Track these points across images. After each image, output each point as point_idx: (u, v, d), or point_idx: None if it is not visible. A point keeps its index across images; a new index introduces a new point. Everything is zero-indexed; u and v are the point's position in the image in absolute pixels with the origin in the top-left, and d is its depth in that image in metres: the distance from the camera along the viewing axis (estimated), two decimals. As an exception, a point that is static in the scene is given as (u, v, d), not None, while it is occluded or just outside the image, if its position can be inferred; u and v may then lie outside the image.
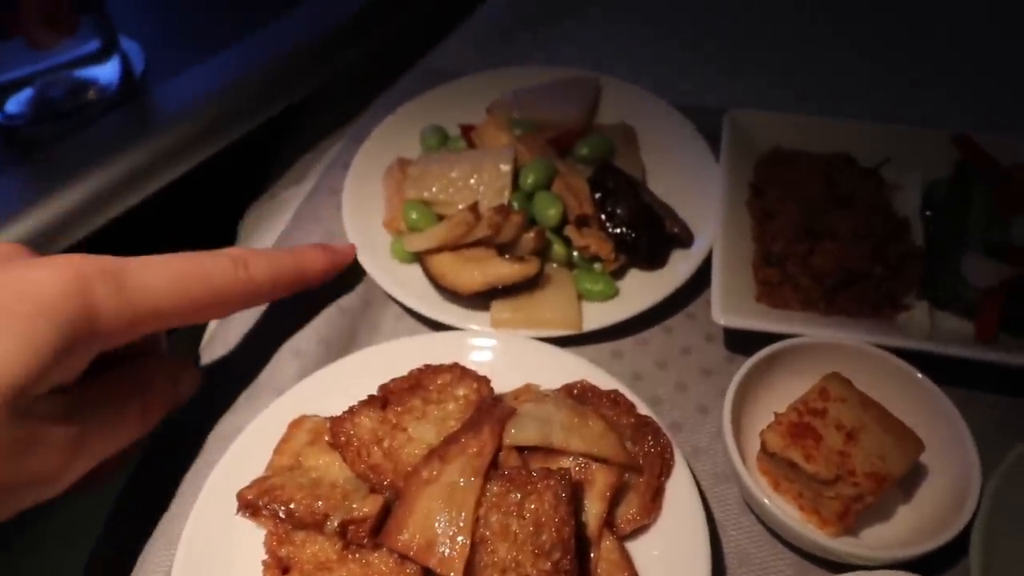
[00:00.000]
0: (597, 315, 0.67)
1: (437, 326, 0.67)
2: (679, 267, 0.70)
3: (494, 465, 0.52)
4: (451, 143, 0.78)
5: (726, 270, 0.66)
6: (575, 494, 0.52)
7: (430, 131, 0.80)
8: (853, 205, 0.68)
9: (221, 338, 0.67)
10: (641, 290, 0.69)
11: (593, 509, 0.52)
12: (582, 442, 0.54)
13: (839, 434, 0.54)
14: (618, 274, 0.70)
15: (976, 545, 0.52)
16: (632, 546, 0.54)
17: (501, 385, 0.60)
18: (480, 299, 0.67)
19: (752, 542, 0.57)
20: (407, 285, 0.69)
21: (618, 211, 0.69)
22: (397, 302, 0.69)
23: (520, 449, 0.54)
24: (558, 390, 0.59)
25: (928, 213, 0.72)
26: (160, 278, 0.50)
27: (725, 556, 0.57)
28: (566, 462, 0.54)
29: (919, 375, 0.58)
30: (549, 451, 0.54)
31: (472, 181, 0.71)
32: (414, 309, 0.68)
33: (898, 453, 0.54)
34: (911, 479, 0.57)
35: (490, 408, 0.55)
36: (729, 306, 0.64)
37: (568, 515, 0.49)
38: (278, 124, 0.92)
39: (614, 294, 0.68)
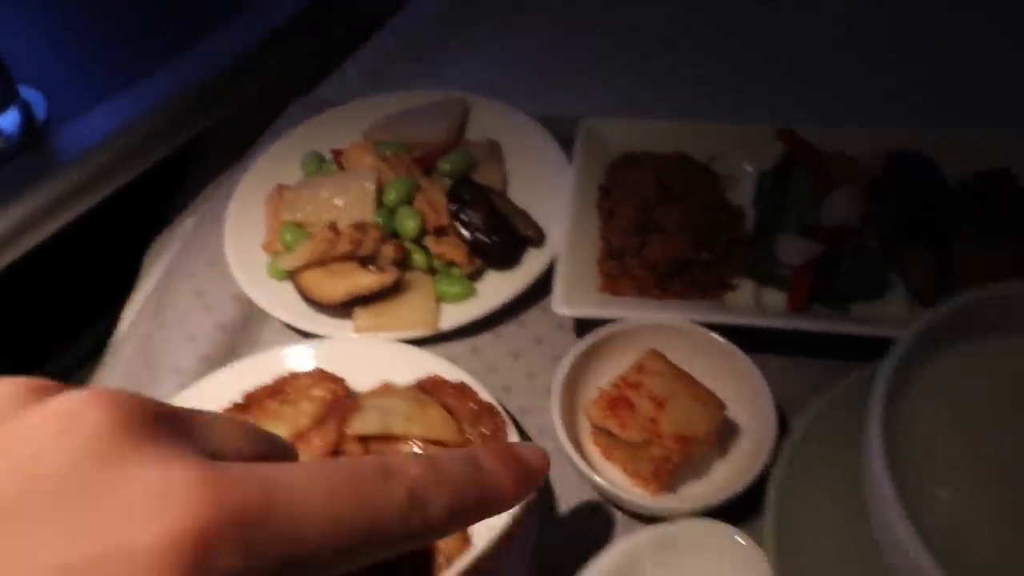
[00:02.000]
0: (456, 315, 0.74)
1: (311, 337, 0.74)
2: (532, 265, 0.76)
3: (337, 454, 0.58)
4: (325, 167, 0.85)
5: (570, 265, 0.73)
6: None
7: (309, 157, 0.87)
8: (680, 200, 0.75)
9: (110, 362, 0.73)
10: (496, 289, 0.75)
11: (428, 486, 0.58)
12: (421, 428, 0.60)
13: (651, 403, 0.61)
14: (476, 276, 0.77)
15: (772, 491, 0.58)
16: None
17: (361, 385, 0.66)
18: (346, 308, 0.73)
19: (588, 508, 0.63)
20: (282, 301, 0.75)
21: (472, 219, 0.76)
22: (275, 317, 0.75)
23: (364, 439, 0.60)
24: (412, 385, 0.66)
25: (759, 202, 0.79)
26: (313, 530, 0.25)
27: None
28: (407, 448, 0.60)
29: (723, 342, 0.64)
30: (391, 439, 0.61)
31: (338, 201, 0.78)
32: (287, 322, 0.74)
33: (702, 416, 0.60)
34: (727, 439, 0.64)
35: (339, 405, 0.61)
36: (570, 297, 0.70)
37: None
38: (184, 154, 0.99)
39: (471, 294, 0.75)
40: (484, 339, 0.75)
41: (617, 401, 0.61)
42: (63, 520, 0.20)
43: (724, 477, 0.62)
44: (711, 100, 0.97)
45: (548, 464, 0.34)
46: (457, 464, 0.30)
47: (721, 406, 0.61)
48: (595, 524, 0.63)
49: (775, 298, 0.72)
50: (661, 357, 0.64)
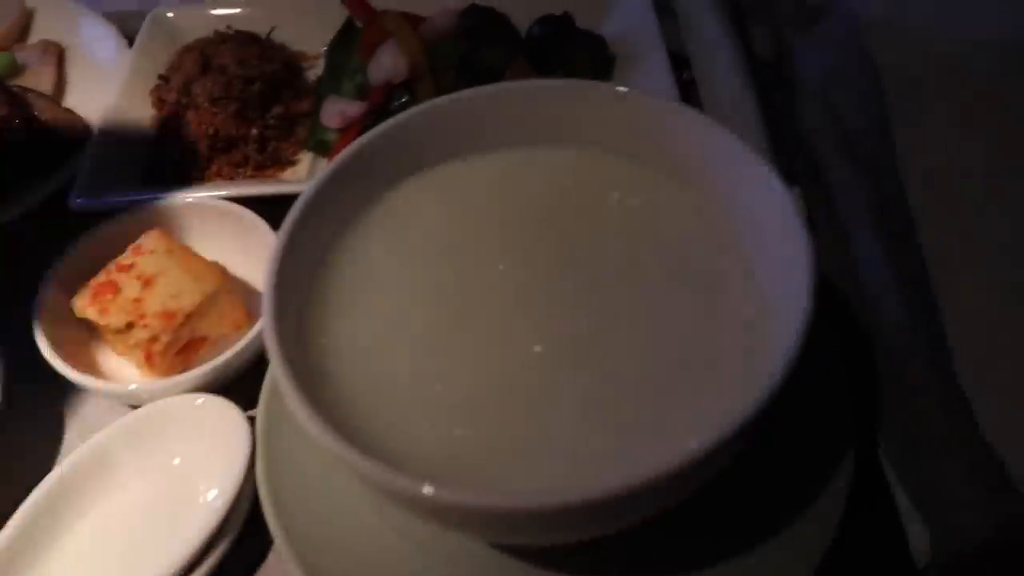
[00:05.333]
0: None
1: None
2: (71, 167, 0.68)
3: None
4: None
5: (101, 155, 0.66)
6: None
7: None
8: (218, 72, 0.68)
9: None
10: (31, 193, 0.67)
11: None
12: None
13: (138, 283, 0.55)
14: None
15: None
16: (-67, 438, 0.52)
17: None
18: None
19: (96, 412, 0.57)
20: None
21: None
22: None
23: None
24: None
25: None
26: None
27: (66, 431, 0.56)
28: None
29: (239, 209, 0.60)
30: None
31: None
32: None
33: (192, 289, 0.55)
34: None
35: None
36: (90, 189, 0.63)
37: None
38: None
39: (-8, 204, 0.66)
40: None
41: (103, 287, 0.55)
42: None
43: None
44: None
45: None
46: None
47: (217, 276, 0.56)
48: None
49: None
50: (161, 235, 0.58)
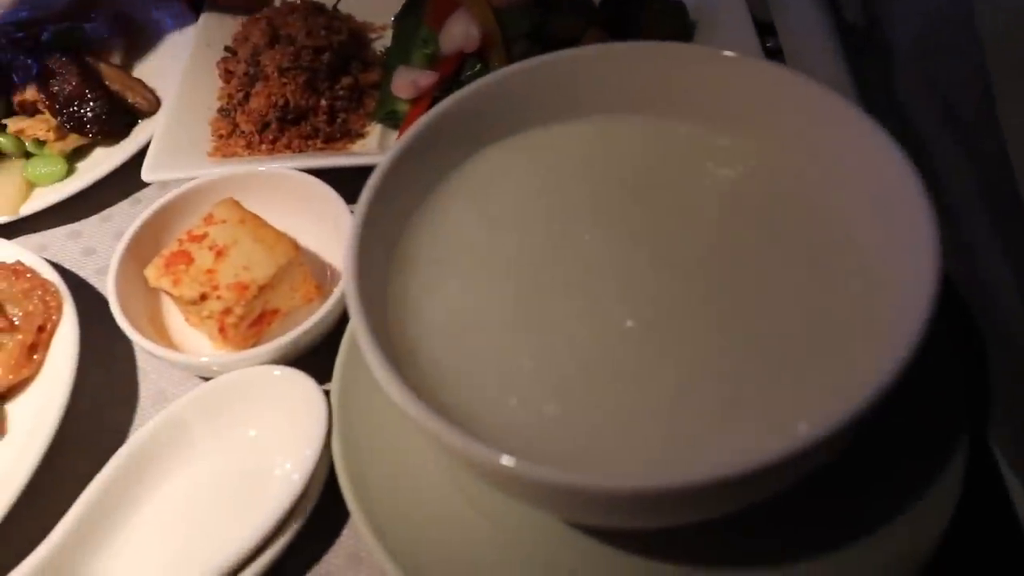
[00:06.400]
0: (52, 197, 0.65)
1: None
2: (141, 137, 0.68)
3: None
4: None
5: (172, 128, 0.65)
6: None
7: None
8: (286, 43, 0.67)
9: None
10: (100, 166, 0.67)
11: (-60, 375, 0.51)
12: (-58, 313, 0.53)
13: (210, 254, 0.54)
14: (81, 154, 0.68)
15: (347, 335, 0.52)
16: (14, 404, 0.53)
17: (-83, 282, 0.58)
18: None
19: (169, 382, 0.57)
20: None
21: (61, 90, 0.67)
22: None
23: None
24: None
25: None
26: None
27: (140, 399, 0.56)
28: (-75, 335, 0.52)
29: (308, 178, 0.59)
30: (-91, 329, 0.53)
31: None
32: None
33: (264, 260, 0.54)
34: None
35: None
36: (162, 163, 0.63)
37: None
38: None
39: (66, 174, 0.66)
40: (90, 222, 0.67)
41: (176, 257, 0.55)
42: None
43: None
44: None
45: None
46: None
47: (291, 247, 0.55)
48: (176, 393, 0.56)
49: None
50: (233, 204, 0.57)
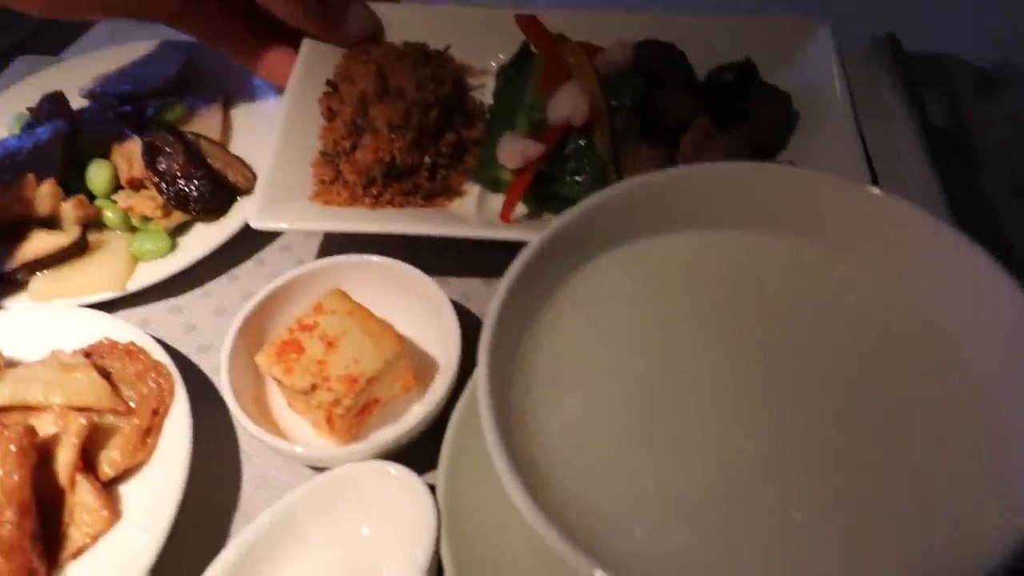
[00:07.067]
0: (156, 273, 0.67)
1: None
2: (239, 217, 0.70)
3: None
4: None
5: (278, 172, 0.65)
6: (48, 446, 0.52)
7: (14, 117, 0.79)
8: (396, 96, 0.68)
9: None
10: (201, 243, 0.69)
11: (63, 457, 0.52)
12: (63, 395, 0.54)
13: (321, 344, 0.56)
14: (182, 231, 0.70)
15: (451, 428, 0.53)
16: (127, 487, 0.54)
17: (30, 355, 0.60)
18: (31, 273, 0.66)
19: (272, 466, 0.58)
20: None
21: (168, 168, 0.69)
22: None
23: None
24: (75, 351, 0.59)
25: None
26: None
27: (243, 483, 0.58)
28: (46, 417, 0.54)
29: (412, 272, 0.60)
30: (31, 408, 0.54)
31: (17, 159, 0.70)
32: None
33: (373, 353, 0.55)
34: (430, 378, 0.59)
35: (-24, 378, 0.55)
36: (269, 210, 0.63)
37: (14, 469, 0.49)
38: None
39: (171, 250, 0.69)
40: (190, 297, 0.69)
41: (287, 346, 0.56)
42: None
43: (420, 416, 0.58)
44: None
45: None
46: None
47: (398, 341, 0.56)
48: (278, 480, 0.58)
49: (497, 204, 0.66)
50: (342, 295, 0.59)
